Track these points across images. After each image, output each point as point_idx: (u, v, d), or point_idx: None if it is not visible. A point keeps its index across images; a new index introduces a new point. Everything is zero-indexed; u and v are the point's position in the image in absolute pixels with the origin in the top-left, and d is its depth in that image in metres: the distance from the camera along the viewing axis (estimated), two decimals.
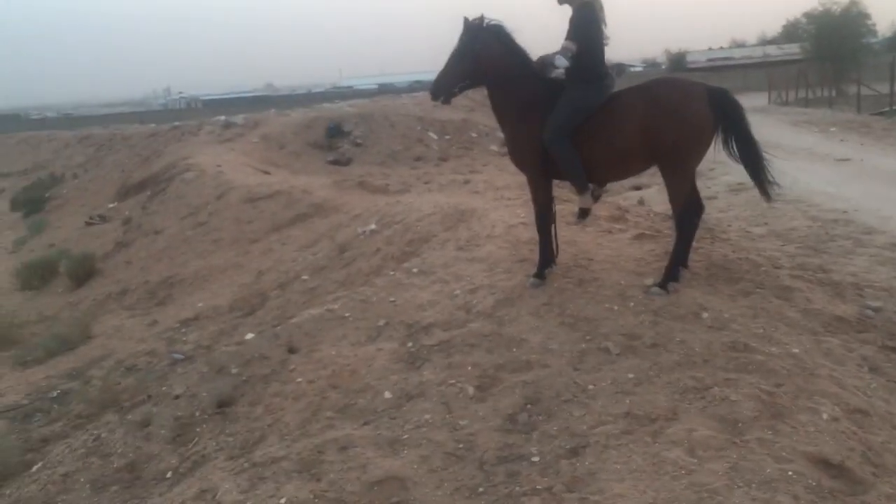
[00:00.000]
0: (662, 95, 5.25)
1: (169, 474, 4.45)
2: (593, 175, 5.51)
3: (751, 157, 5.43)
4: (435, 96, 5.60)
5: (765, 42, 70.59)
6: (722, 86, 5.53)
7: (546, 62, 5.40)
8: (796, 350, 4.43)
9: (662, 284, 5.26)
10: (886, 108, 24.07)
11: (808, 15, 41.74)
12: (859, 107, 25.87)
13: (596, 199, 5.78)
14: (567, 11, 5.39)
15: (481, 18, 5.39)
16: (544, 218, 5.69)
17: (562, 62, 5.24)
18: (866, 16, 39.29)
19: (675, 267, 5.38)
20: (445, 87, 5.54)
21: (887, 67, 25.62)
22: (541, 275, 5.60)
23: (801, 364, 4.22)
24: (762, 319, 4.90)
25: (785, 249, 8.00)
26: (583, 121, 5.29)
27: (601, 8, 5.39)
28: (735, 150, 5.41)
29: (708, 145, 5.32)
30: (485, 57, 5.39)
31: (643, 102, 5.23)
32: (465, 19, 5.39)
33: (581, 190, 5.50)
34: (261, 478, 3.72)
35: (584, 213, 5.69)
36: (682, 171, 5.33)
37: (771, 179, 5.46)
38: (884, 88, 25.72)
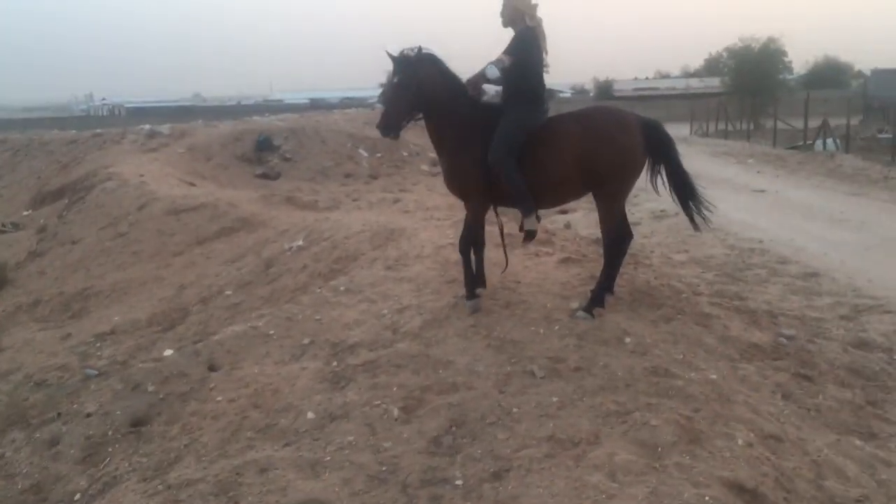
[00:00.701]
0: (599, 124, 5.39)
1: (77, 496, 4.27)
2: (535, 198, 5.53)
3: (681, 188, 5.66)
4: (385, 133, 5.49)
5: (688, 74, 73.10)
6: (647, 115, 5.72)
7: (478, 76, 5.43)
8: (714, 376, 4.54)
9: (588, 308, 5.34)
10: (800, 143, 25.15)
11: (728, 50, 43.48)
12: (775, 140, 26.97)
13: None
14: (508, 36, 5.49)
15: (419, 49, 5.35)
16: (468, 241, 5.66)
17: (493, 72, 5.29)
18: (783, 53, 41.16)
19: (602, 292, 5.48)
20: (394, 122, 5.46)
21: (801, 104, 26.84)
22: (472, 295, 5.58)
23: (719, 390, 4.32)
24: (682, 345, 5.01)
25: (704, 276, 8.24)
26: (521, 145, 5.34)
27: (543, 36, 5.50)
28: (665, 180, 5.62)
29: (639, 174, 5.51)
30: (427, 87, 5.36)
31: (580, 129, 5.33)
32: (402, 52, 5.34)
33: (527, 212, 5.46)
34: (175, 501, 3.59)
35: (530, 236, 5.65)
36: (615, 198, 5.46)
37: (703, 209, 5.70)
38: (798, 123, 26.91)
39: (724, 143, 28.59)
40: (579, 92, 77.39)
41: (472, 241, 5.68)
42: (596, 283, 5.58)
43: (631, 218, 12.89)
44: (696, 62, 77.20)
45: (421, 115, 5.57)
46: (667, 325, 5.37)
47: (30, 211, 19.21)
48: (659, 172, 5.62)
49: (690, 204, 5.68)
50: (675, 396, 4.15)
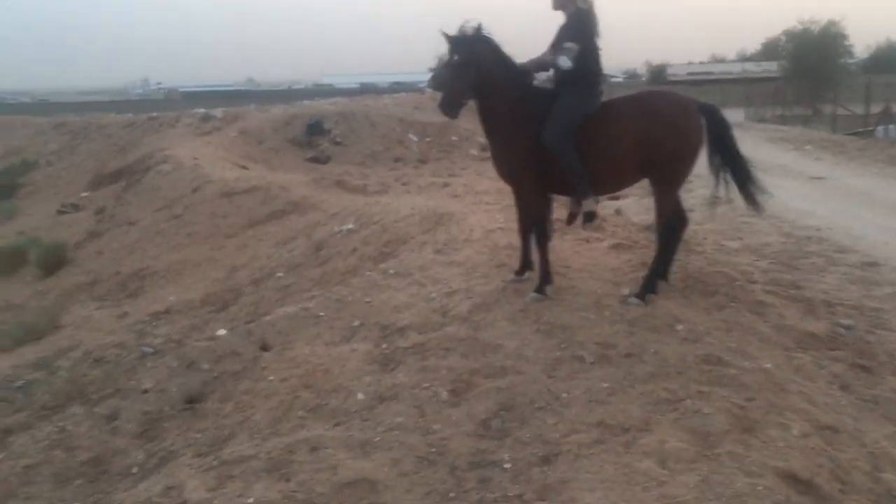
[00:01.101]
0: (660, 107, 5.31)
1: (135, 470, 4.39)
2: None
3: (738, 172, 5.58)
4: (446, 110, 5.39)
5: (744, 58, 71.52)
6: (702, 99, 5.62)
7: (547, 64, 5.36)
8: (768, 365, 4.46)
9: (640, 294, 5.29)
10: (861, 129, 24.43)
11: (787, 33, 42.26)
12: (835, 126, 26.23)
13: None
14: (556, 19, 5.42)
15: (478, 27, 5.27)
16: (543, 229, 5.56)
17: (566, 63, 5.19)
18: (844, 36, 39.83)
19: (654, 277, 5.42)
20: (455, 100, 5.36)
21: (863, 88, 26.04)
22: (542, 290, 5.42)
23: (773, 379, 4.25)
24: (736, 334, 4.93)
25: (759, 264, 8.06)
26: (577, 128, 5.27)
27: (596, 18, 5.40)
28: (722, 164, 5.55)
29: (697, 158, 5.43)
30: (484, 68, 5.27)
31: (640, 113, 5.26)
32: (461, 30, 5.27)
33: (585, 192, 5.40)
34: (229, 476, 3.67)
35: (589, 218, 5.57)
36: (673, 183, 5.42)
37: (760, 193, 5.62)
38: (859, 109, 26.12)
39: (781, 129, 27.91)
40: (631, 76, 76.32)
41: (545, 231, 5.56)
42: (648, 268, 5.52)
43: (684, 205, 12.70)
44: (753, 46, 75.66)
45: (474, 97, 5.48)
46: (720, 312, 5.29)
47: (88, 193, 19.73)
48: (716, 157, 5.52)
49: (749, 187, 5.59)
50: (728, 385, 4.09)
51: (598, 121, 5.30)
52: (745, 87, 42.57)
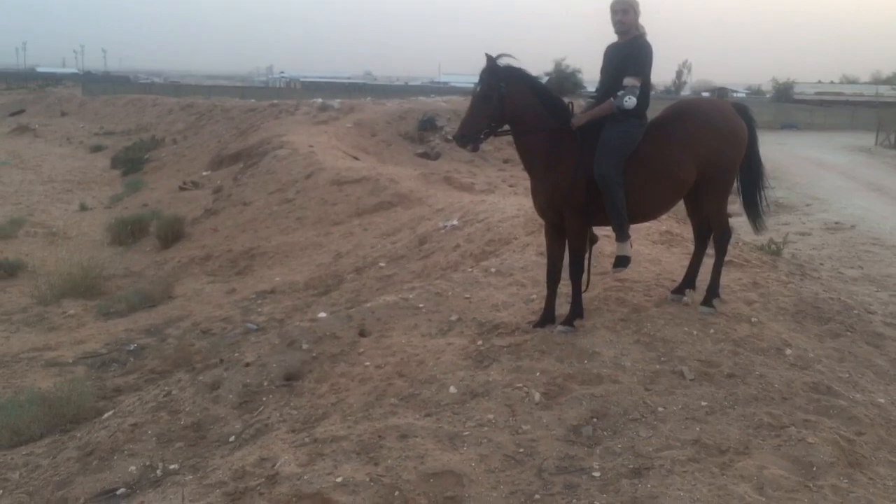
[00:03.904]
0: (708, 115, 5.16)
1: (232, 438, 4.55)
2: (641, 211, 5.20)
3: (753, 179, 5.56)
4: (461, 143, 4.98)
5: (879, 81, 67.82)
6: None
7: (613, 107, 4.89)
8: (882, 400, 4.22)
9: (707, 301, 5.28)
10: None
11: None
12: None
13: (593, 242, 5.50)
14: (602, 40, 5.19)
15: (500, 57, 4.94)
16: (581, 263, 5.17)
17: (631, 103, 4.85)
18: None
19: (717, 284, 5.41)
20: (473, 132, 4.93)
21: None
22: (571, 322, 5.11)
23: (886, 415, 4.02)
24: (849, 364, 4.69)
25: (878, 295, 7.66)
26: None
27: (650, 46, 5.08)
28: (743, 169, 5.45)
29: None
30: (513, 103, 4.93)
31: (692, 125, 5.06)
32: (488, 56, 4.93)
33: (623, 236, 5.07)
34: (320, 454, 3.75)
35: (622, 263, 5.19)
36: (728, 189, 5.34)
37: (764, 210, 5.62)
38: None
39: None
40: (755, 93, 73.75)
41: (583, 264, 5.20)
42: (711, 276, 5.40)
43: (801, 228, 12.26)
44: (890, 68, 71.74)
45: (507, 128, 5.09)
46: (833, 340, 5.04)
47: (209, 171, 20.62)
48: (744, 161, 5.39)
49: (757, 200, 5.58)
50: (837, 416, 3.89)
51: (648, 144, 5.00)
52: (878, 111, 40.39)
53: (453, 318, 5.70)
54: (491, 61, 4.92)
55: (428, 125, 20.14)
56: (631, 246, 5.19)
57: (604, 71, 5.16)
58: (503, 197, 12.24)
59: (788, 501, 3.14)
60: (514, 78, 4.96)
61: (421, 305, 5.97)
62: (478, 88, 4.97)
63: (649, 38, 5.06)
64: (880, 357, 4.94)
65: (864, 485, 3.31)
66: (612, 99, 4.89)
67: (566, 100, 5.27)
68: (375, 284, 8.45)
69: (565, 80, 39.66)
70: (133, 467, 4.40)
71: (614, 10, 4.97)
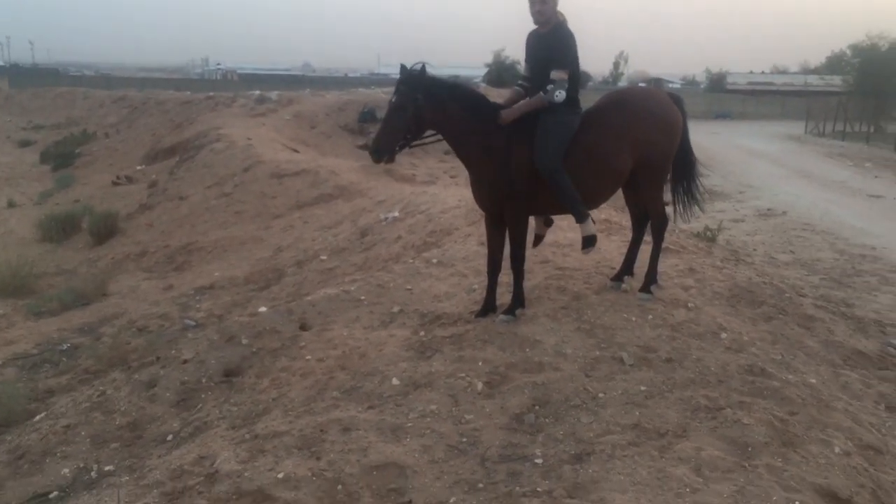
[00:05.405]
0: (646, 105, 5.20)
1: (170, 437, 4.45)
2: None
3: (687, 170, 5.68)
4: (377, 157, 4.85)
5: (807, 71, 69.84)
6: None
7: (545, 101, 4.88)
8: (813, 380, 4.35)
9: (646, 288, 5.35)
10: None
11: (853, 47, 41.17)
12: None
13: (548, 225, 5.67)
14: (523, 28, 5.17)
15: (422, 68, 4.83)
16: (522, 253, 5.15)
17: (562, 96, 4.87)
18: None
19: (655, 271, 5.48)
20: (387, 145, 4.83)
21: None
22: (513, 311, 5.12)
23: (818, 395, 4.14)
24: (781, 346, 4.82)
25: (809, 279, 7.90)
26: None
27: (572, 32, 5.05)
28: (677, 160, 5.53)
29: None
30: (431, 113, 4.85)
31: (629, 116, 5.10)
32: (403, 67, 4.86)
33: (583, 217, 5.03)
34: (261, 450, 3.69)
35: (590, 241, 5.14)
36: (663, 177, 5.42)
37: (698, 199, 5.76)
38: None
39: (841, 145, 27.25)
40: (690, 83, 75.25)
41: (524, 254, 5.17)
42: (649, 263, 5.46)
43: (735, 215, 12.56)
44: (817, 59, 73.89)
45: (432, 133, 5.10)
46: (766, 323, 5.17)
47: (143, 166, 20.14)
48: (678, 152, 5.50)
49: (691, 189, 5.73)
50: (771, 397, 3.99)
51: (586, 134, 5.03)
52: (807, 100, 41.62)
53: (395, 309, 5.67)
54: (406, 72, 4.80)
55: (368, 117, 19.98)
56: (594, 223, 5.16)
57: (528, 60, 5.16)
58: (444, 188, 12.24)
59: (725, 481, 3.20)
60: (432, 87, 4.84)
61: (362, 298, 5.93)
62: (393, 99, 4.85)
63: (571, 25, 5.03)
64: (811, 338, 5.09)
65: (797, 463, 3.40)
66: (542, 94, 4.88)
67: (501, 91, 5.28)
68: (317, 278, 8.36)
69: (504, 71, 39.75)
70: (66, 470, 4.27)
71: (532, 2, 4.95)
